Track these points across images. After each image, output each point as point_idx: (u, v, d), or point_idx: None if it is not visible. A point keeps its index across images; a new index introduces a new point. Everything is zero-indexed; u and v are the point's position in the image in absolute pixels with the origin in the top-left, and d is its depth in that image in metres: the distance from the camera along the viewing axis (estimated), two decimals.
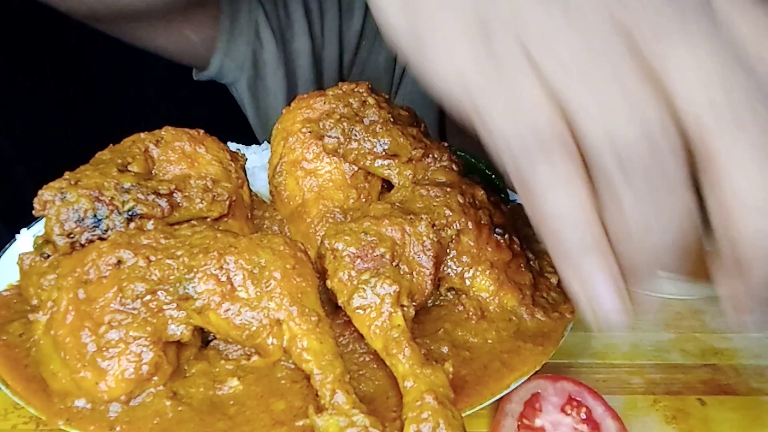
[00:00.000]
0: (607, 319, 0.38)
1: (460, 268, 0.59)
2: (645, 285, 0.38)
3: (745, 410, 0.57)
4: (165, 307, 0.50)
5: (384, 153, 0.65)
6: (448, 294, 0.60)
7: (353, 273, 0.53)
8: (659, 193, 0.35)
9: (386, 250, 0.54)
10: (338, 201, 0.66)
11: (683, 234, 0.36)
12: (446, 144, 0.69)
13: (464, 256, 0.58)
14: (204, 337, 0.55)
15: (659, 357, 0.63)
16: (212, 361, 0.53)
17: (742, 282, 0.36)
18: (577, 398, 0.53)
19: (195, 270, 0.51)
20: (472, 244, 0.59)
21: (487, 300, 0.59)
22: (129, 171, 0.59)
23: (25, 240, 0.68)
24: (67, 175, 0.57)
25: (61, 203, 0.55)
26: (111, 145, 0.63)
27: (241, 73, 1.04)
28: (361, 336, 0.53)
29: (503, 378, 0.53)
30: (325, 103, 0.67)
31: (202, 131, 0.65)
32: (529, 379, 0.54)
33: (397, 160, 0.65)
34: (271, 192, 0.70)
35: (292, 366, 0.51)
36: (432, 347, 0.55)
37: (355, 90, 0.69)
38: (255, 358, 0.52)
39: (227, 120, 1.00)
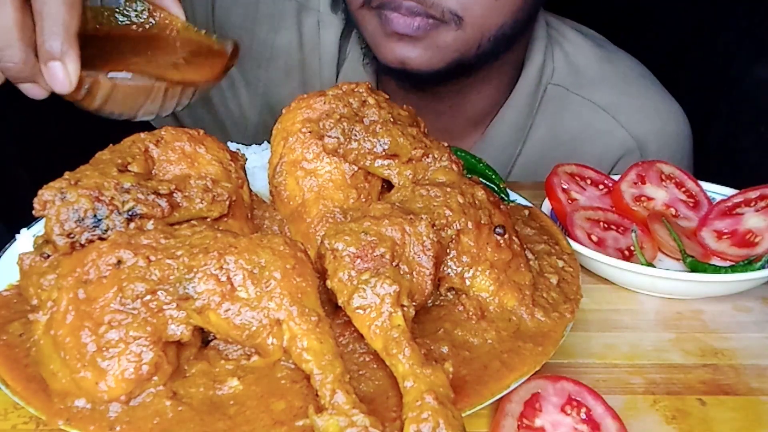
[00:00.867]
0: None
1: (460, 268, 0.59)
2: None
3: (745, 410, 0.57)
4: (165, 307, 0.50)
5: (384, 153, 0.65)
6: (448, 294, 0.60)
7: (353, 273, 0.53)
8: None
9: (386, 250, 0.54)
10: (338, 201, 0.66)
11: None
12: (446, 144, 0.69)
13: (464, 256, 0.58)
14: (204, 337, 0.55)
15: (659, 357, 0.63)
16: (212, 361, 0.53)
17: None
18: (577, 398, 0.53)
19: (195, 270, 0.51)
20: (472, 244, 0.59)
21: (487, 300, 0.59)
22: (129, 171, 0.59)
23: (25, 240, 0.68)
24: (67, 175, 0.57)
25: (61, 203, 0.55)
26: (111, 145, 0.63)
27: None
28: (361, 336, 0.53)
29: (503, 378, 0.53)
30: (325, 103, 0.67)
31: (202, 131, 0.65)
32: (529, 379, 0.54)
33: (397, 160, 0.65)
34: (271, 192, 0.70)
35: (292, 366, 0.51)
36: (432, 347, 0.55)
37: (355, 90, 0.69)
38: (255, 358, 0.52)
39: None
